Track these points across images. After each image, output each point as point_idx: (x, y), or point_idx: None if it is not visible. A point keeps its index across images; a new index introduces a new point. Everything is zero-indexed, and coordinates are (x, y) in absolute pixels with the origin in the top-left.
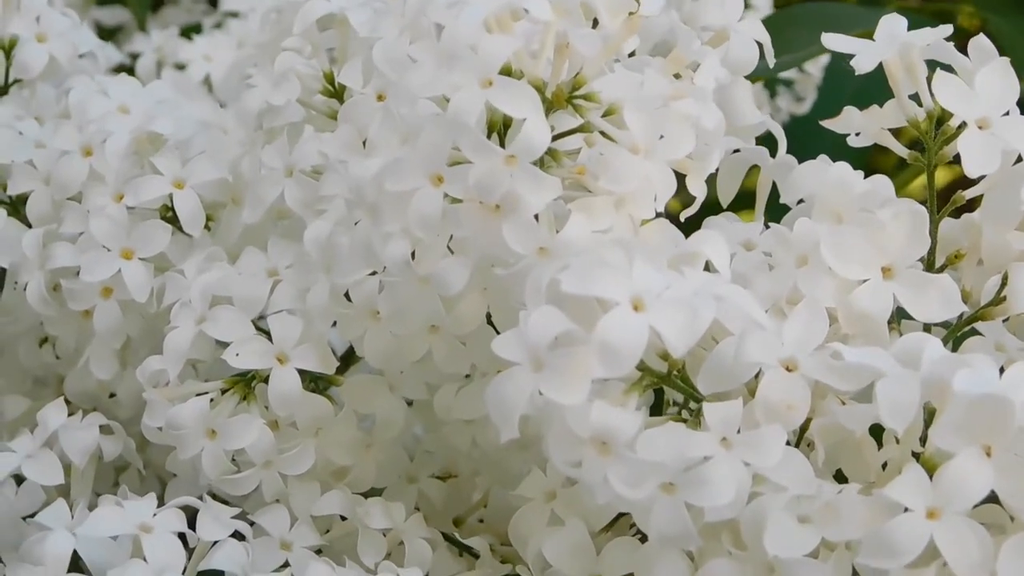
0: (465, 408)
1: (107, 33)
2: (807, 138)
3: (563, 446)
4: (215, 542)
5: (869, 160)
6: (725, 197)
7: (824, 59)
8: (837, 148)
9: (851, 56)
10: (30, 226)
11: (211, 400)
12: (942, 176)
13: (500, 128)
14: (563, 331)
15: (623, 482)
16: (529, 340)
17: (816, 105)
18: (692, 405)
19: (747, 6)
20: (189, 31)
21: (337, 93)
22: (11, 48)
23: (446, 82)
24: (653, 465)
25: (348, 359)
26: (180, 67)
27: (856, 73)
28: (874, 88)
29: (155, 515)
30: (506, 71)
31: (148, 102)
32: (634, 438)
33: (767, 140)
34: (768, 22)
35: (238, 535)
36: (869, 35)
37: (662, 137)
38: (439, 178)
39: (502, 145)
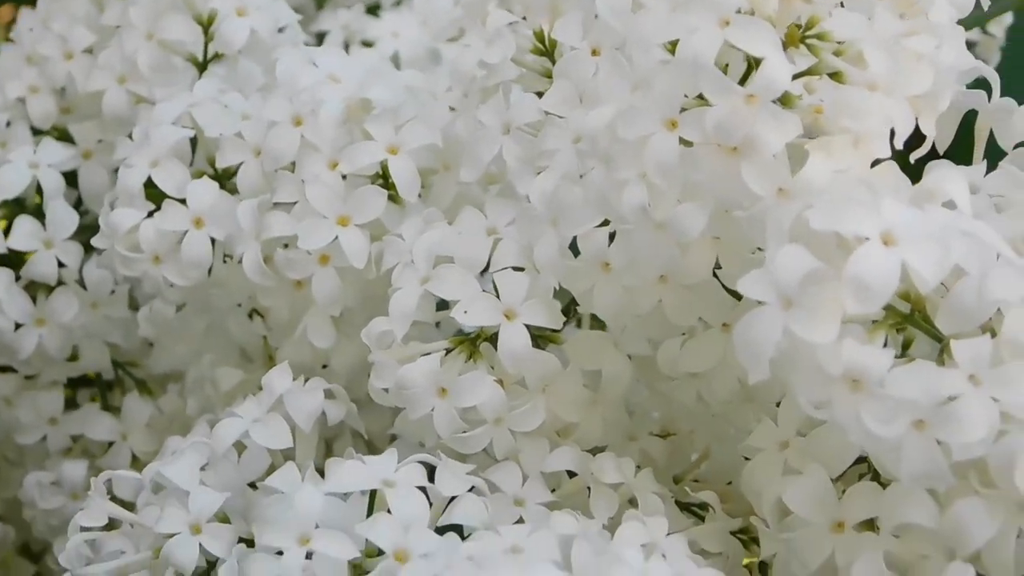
0: (691, 361)
1: None
2: None
3: (812, 385)
4: (452, 498)
5: None
6: (942, 143)
7: (1007, 18)
8: None
9: None
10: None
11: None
12: None
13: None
14: (812, 269)
15: (875, 419)
16: (778, 279)
17: (998, 67)
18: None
19: None
20: (370, 10)
21: (547, 51)
22: (210, 23)
23: (683, 24)
24: (905, 402)
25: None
26: (367, 44)
27: None
28: None
29: (397, 471)
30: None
31: (358, 70)
32: (885, 375)
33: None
34: None
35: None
36: None
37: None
38: (673, 123)
39: None
